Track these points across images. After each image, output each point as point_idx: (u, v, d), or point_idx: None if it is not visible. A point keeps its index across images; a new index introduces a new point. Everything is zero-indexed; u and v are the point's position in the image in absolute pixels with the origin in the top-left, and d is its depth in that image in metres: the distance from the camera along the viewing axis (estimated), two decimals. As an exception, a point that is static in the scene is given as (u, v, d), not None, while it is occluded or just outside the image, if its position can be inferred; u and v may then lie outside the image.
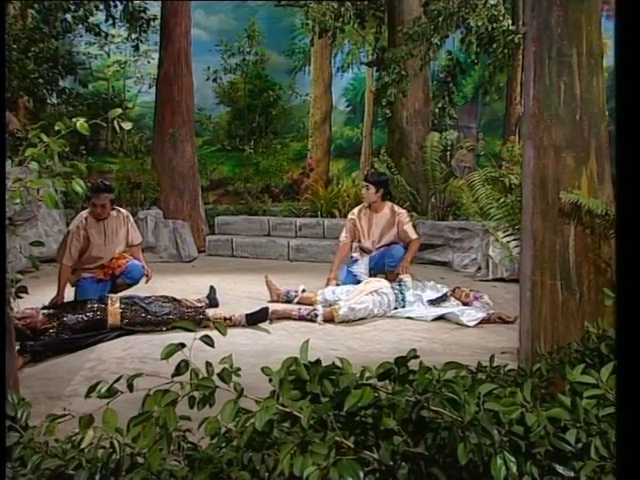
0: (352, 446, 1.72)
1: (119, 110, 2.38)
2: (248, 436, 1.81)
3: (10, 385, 2.59)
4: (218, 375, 1.88)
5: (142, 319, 4.64)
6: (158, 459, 1.84)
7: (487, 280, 6.99)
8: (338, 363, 2.15)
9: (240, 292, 6.39)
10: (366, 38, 11.19)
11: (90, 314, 4.53)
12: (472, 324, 5.00)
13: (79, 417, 1.89)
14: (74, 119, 2.38)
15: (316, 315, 5.10)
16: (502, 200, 3.91)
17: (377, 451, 1.73)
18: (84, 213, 5.39)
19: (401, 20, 8.51)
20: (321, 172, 13.54)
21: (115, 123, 2.38)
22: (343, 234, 6.33)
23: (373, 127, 14.01)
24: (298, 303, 5.64)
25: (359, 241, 6.36)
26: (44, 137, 2.41)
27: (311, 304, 5.54)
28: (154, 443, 1.85)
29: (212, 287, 5.80)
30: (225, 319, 4.86)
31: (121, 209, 5.66)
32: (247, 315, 4.92)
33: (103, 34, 10.02)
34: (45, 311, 4.50)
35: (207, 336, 1.90)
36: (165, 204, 9.12)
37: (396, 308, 5.36)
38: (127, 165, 9.70)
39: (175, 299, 5.01)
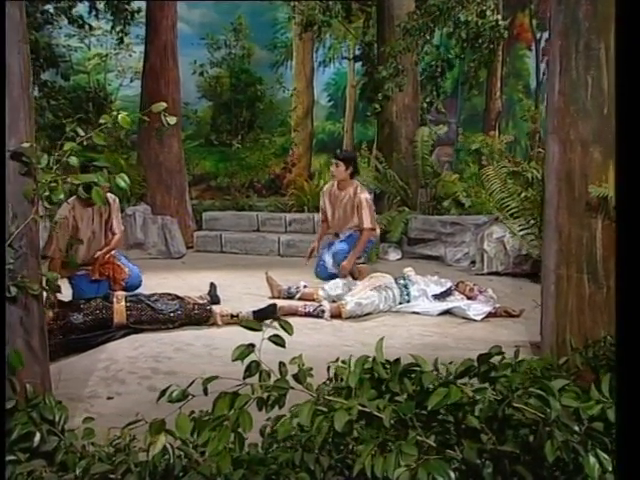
0: (434, 445, 1.69)
1: (164, 104, 2.32)
2: (323, 437, 1.77)
3: (46, 388, 2.51)
4: (293, 376, 1.83)
5: (149, 317, 4.55)
6: (228, 463, 1.79)
7: (482, 274, 7.01)
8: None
9: (238, 289, 6.31)
10: (352, 32, 11.16)
11: (97, 312, 4.43)
12: (479, 318, 5.01)
13: (149, 423, 1.81)
14: (114, 112, 2.30)
15: (323, 311, 5.06)
16: (523, 194, 3.89)
17: (459, 450, 1.70)
18: (70, 200, 4.92)
19: (391, 15, 8.48)
20: (303, 167, 13.49)
21: (162, 117, 2.31)
22: (320, 212, 6.46)
23: (354, 122, 13.99)
24: (300, 299, 5.60)
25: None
26: (80, 131, 2.34)
27: (313, 300, 5.50)
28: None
29: (212, 284, 5.72)
30: (232, 316, 4.79)
31: (109, 194, 5.13)
32: (254, 312, 4.85)
33: (87, 26, 9.81)
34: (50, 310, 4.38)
35: (277, 336, 1.84)
36: (152, 200, 8.97)
37: (401, 303, 5.35)
38: (111, 160, 9.49)
39: (178, 296, 4.92)
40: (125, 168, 2.41)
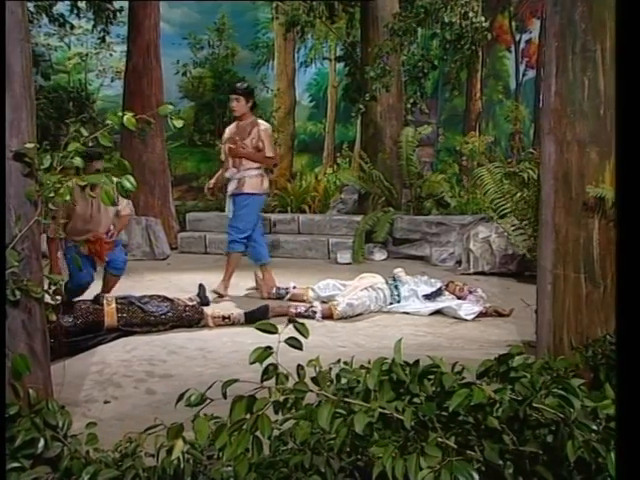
0: (455, 446, 1.69)
1: (170, 107, 2.29)
2: (341, 440, 1.75)
3: (49, 393, 2.46)
4: (312, 379, 1.81)
5: (140, 319, 4.50)
6: (246, 467, 1.77)
7: (468, 274, 7.05)
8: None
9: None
10: (334, 33, 11.15)
11: (87, 315, 4.36)
12: (470, 318, 5.04)
13: (168, 428, 1.78)
14: (119, 113, 2.27)
15: (314, 312, 5.05)
16: (519, 194, 3.91)
17: (480, 450, 1.70)
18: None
19: (375, 16, 8.50)
20: (285, 167, 13.47)
21: (169, 120, 2.29)
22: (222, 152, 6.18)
23: (336, 122, 14.00)
24: (290, 300, 5.59)
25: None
26: (84, 131, 2.31)
27: (302, 301, 5.50)
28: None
29: (201, 285, 5.68)
30: (224, 318, 4.77)
31: None
32: (246, 313, 4.83)
33: (68, 25, 9.69)
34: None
35: (294, 338, 1.82)
36: (135, 201, 8.86)
37: (391, 303, 5.36)
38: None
39: (168, 298, 4.88)
40: (130, 169, 2.33)
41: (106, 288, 5.08)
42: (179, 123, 2.34)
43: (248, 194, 5.82)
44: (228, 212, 5.99)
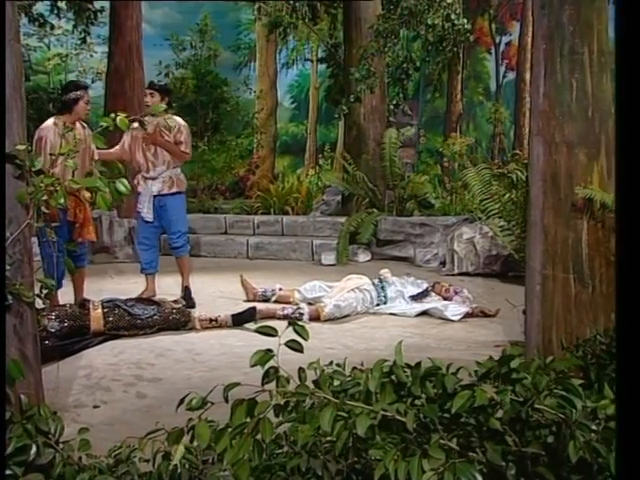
0: (457, 448, 1.69)
1: (163, 106, 2.27)
2: (343, 443, 1.74)
3: (40, 398, 2.43)
4: (313, 382, 1.80)
5: (126, 323, 4.45)
6: (247, 472, 1.76)
7: (453, 275, 7.08)
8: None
9: (211, 292, 6.25)
10: (316, 34, 11.15)
11: (73, 319, 4.30)
12: (456, 319, 5.06)
13: (168, 433, 1.76)
14: (112, 115, 2.24)
15: (301, 314, 5.03)
16: (507, 196, 3.93)
17: (482, 452, 1.70)
18: (51, 120, 4.67)
19: (358, 17, 8.51)
20: (267, 169, 13.44)
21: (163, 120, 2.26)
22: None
23: (317, 124, 14.00)
24: (276, 302, 5.57)
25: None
26: (73, 134, 2.28)
27: (289, 303, 5.48)
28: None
29: (186, 287, 5.65)
30: (211, 320, 4.74)
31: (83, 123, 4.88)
32: (233, 316, 4.80)
33: (48, 25, 9.58)
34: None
35: (294, 341, 1.81)
36: (119, 203, 8.79)
37: (378, 305, 5.37)
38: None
39: (155, 301, 4.85)
40: (123, 172, 2.29)
41: (78, 288, 5.03)
42: (173, 122, 2.33)
43: (178, 193, 5.78)
44: (148, 215, 5.81)
